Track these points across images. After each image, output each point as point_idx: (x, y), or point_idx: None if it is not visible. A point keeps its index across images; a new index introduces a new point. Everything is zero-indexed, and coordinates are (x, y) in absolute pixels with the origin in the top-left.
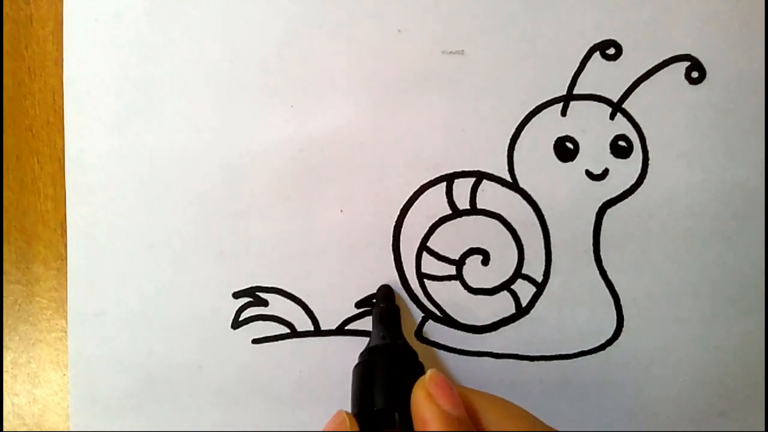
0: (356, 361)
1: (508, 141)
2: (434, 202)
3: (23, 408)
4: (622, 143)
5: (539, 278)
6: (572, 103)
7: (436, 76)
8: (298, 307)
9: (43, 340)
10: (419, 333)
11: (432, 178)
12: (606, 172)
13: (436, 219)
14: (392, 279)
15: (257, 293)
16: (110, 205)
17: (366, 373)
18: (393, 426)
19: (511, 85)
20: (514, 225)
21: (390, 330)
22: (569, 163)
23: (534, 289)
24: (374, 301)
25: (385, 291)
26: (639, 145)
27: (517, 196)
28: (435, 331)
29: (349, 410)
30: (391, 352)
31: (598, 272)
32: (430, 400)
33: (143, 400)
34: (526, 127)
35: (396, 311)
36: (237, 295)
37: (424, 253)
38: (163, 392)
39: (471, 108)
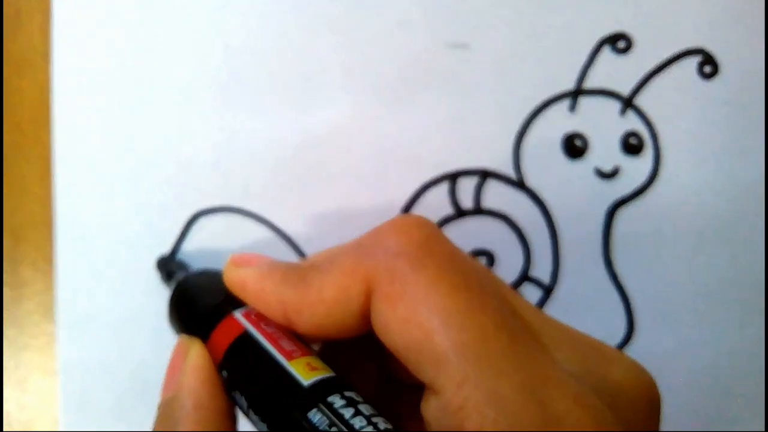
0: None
1: (514, 138)
2: (437, 202)
3: (11, 415)
4: (633, 140)
5: (547, 281)
6: (581, 99)
7: (439, 70)
8: None
9: (32, 345)
10: None
11: (434, 176)
12: (617, 170)
13: (439, 219)
14: None
15: None
16: (100, 206)
17: (177, 304)
18: (211, 330)
19: (518, 79)
20: (521, 226)
21: (178, 271)
22: (578, 161)
23: (542, 293)
24: (161, 272)
25: (164, 258)
26: (651, 142)
27: (524, 196)
28: None
29: None
30: (190, 278)
31: (608, 275)
32: (239, 267)
33: (134, 405)
34: (532, 124)
35: (181, 263)
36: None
37: None
38: (155, 397)
39: (475, 104)
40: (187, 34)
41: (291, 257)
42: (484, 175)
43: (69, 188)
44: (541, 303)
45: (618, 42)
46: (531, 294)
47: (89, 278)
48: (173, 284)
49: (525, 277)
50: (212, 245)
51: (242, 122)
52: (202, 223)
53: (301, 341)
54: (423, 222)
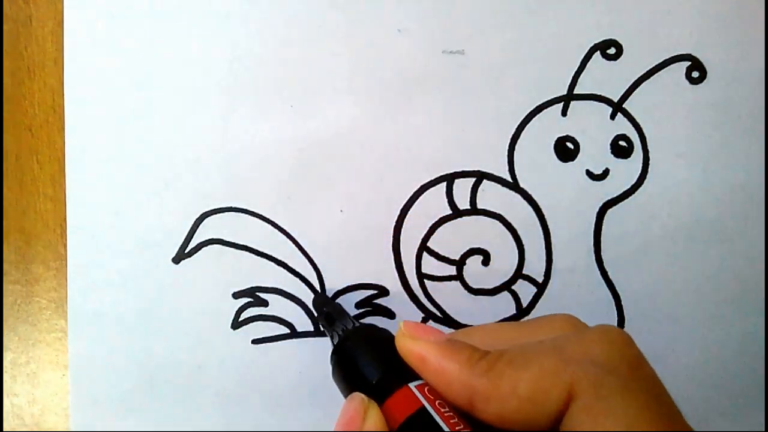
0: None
1: (509, 141)
2: (434, 202)
3: (23, 408)
4: (622, 143)
5: (540, 278)
6: (573, 103)
7: (436, 76)
8: (298, 307)
9: (43, 340)
10: None
11: (432, 178)
12: (606, 172)
13: (437, 219)
14: (392, 279)
15: (257, 293)
16: (110, 205)
17: (347, 359)
18: (386, 396)
19: (512, 84)
20: (515, 225)
21: (345, 323)
22: (570, 163)
23: (535, 290)
24: (318, 312)
25: (321, 298)
26: (639, 145)
27: (518, 196)
28: None
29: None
30: (360, 333)
31: (598, 272)
32: (416, 339)
33: (143, 400)
34: (526, 127)
35: (339, 306)
36: (237, 295)
37: (425, 254)
38: (163, 392)
39: (471, 108)
40: (195, 40)
41: (293, 256)
42: (480, 176)
43: (80, 189)
44: (534, 299)
45: (608, 49)
46: (524, 291)
47: (100, 276)
48: (337, 333)
49: (519, 274)
50: (219, 245)
51: (247, 125)
52: (209, 222)
53: (472, 426)
54: (628, 339)
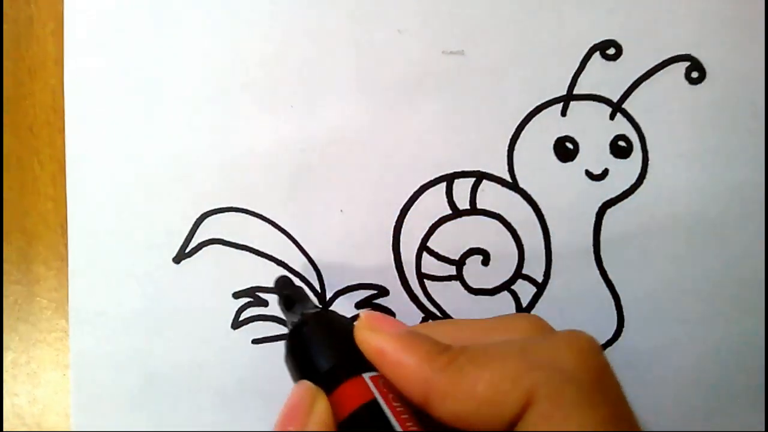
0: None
1: (508, 141)
2: (434, 203)
3: (23, 408)
4: (621, 143)
5: (539, 278)
6: (572, 104)
7: (435, 76)
8: None
9: (44, 340)
10: None
11: (432, 178)
12: (606, 172)
13: (436, 219)
14: (392, 279)
15: (257, 293)
16: (111, 205)
17: (301, 344)
18: (337, 385)
19: (511, 85)
20: (514, 225)
21: (305, 307)
22: (569, 164)
23: (534, 290)
24: (279, 295)
25: (283, 279)
26: (639, 146)
27: (517, 197)
28: None
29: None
30: (318, 318)
31: (598, 272)
32: (375, 331)
33: (143, 400)
34: (526, 128)
35: (301, 290)
36: (237, 295)
37: (424, 254)
38: (164, 392)
39: (471, 108)
40: (196, 40)
41: (293, 256)
42: (480, 176)
43: (81, 189)
44: (534, 299)
45: (608, 49)
46: (524, 291)
47: (101, 275)
48: (295, 318)
49: (519, 274)
50: (219, 245)
51: (247, 125)
52: (209, 222)
53: (422, 424)
54: (596, 347)
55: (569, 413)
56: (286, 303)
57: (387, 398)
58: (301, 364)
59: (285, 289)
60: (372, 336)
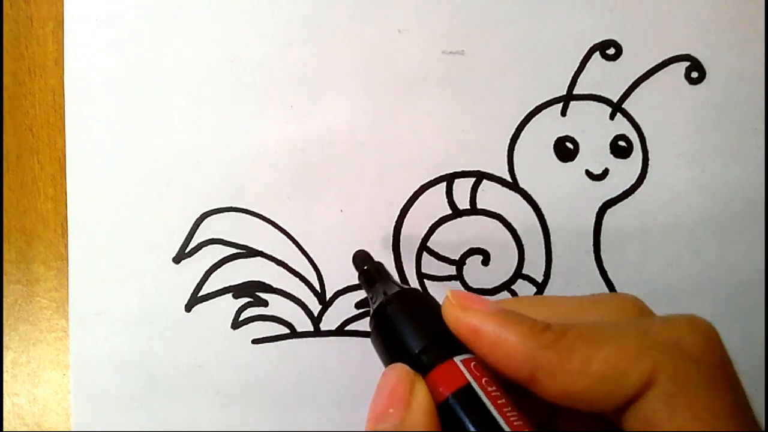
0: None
1: (508, 141)
2: (434, 202)
3: (23, 408)
4: (622, 143)
5: (539, 278)
6: (572, 103)
7: (436, 76)
8: (298, 307)
9: (44, 340)
10: None
11: (432, 178)
12: (606, 172)
13: (436, 219)
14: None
15: (257, 293)
16: (110, 205)
17: (388, 325)
18: (429, 369)
19: (511, 85)
20: (515, 225)
21: (386, 286)
22: (569, 163)
23: (534, 290)
24: (358, 270)
25: (362, 254)
26: (639, 145)
27: (518, 197)
28: None
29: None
30: (404, 298)
31: (598, 272)
32: (467, 309)
33: (144, 399)
34: (526, 127)
35: (381, 266)
36: (237, 295)
37: (424, 253)
38: (163, 392)
39: (471, 108)
40: (195, 40)
41: (293, 256)
42: (480, 176)
43: (81, 189)
44: None
45: (608, 49)
46: (524, 291)
47: (101, 275)
48: (379, 297)
49: (519, 274)
50: (219, 245)
51: (247, 125)
52: (209, 222)
53: (520, 410)
54: (718, 335)
55: (695, 395)
56: (367, 279)
57: (481, 382)
58: (389, 345)
59: (364, 263)
60: (465, 315)
